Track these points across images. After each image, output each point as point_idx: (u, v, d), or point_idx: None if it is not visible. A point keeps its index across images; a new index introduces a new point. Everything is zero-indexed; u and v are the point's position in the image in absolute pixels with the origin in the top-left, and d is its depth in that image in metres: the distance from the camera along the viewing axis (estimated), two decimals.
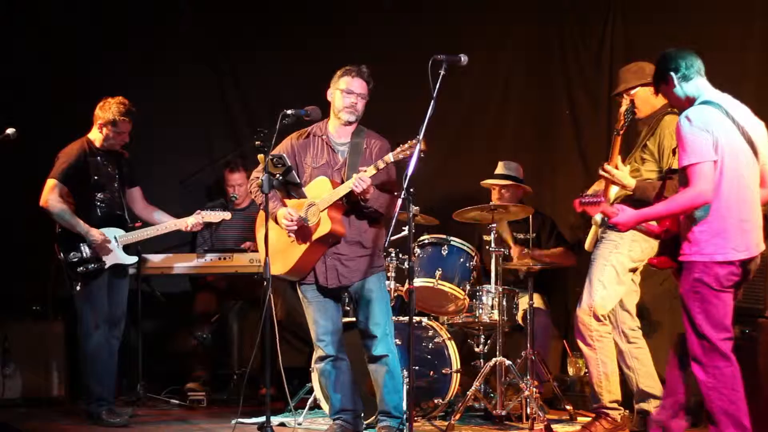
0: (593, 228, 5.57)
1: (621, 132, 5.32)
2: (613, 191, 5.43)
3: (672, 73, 4.58)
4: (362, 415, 5.47)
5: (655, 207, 4.60)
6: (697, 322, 4.49)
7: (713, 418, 4.50)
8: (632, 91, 5.43)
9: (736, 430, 4.47)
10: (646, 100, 5.40)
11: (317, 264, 5.26)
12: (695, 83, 4.59)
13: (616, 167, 5.26)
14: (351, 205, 5.20)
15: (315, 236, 5.18)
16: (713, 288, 4.47)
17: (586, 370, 5.68)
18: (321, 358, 5.36)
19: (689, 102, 4.59)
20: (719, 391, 4.47)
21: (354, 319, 5.49)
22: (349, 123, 5.31)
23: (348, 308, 5.81)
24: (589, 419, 5.64)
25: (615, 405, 5.47)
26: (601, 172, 5.31)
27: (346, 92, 5.27)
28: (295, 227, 5.20)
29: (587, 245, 5.64)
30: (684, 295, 4.54)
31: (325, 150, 5.33)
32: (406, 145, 4.91)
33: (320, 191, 5.21)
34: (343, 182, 5.18)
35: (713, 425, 4.52)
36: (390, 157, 5.00)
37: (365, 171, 5.06)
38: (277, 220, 5.25)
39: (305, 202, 5.23)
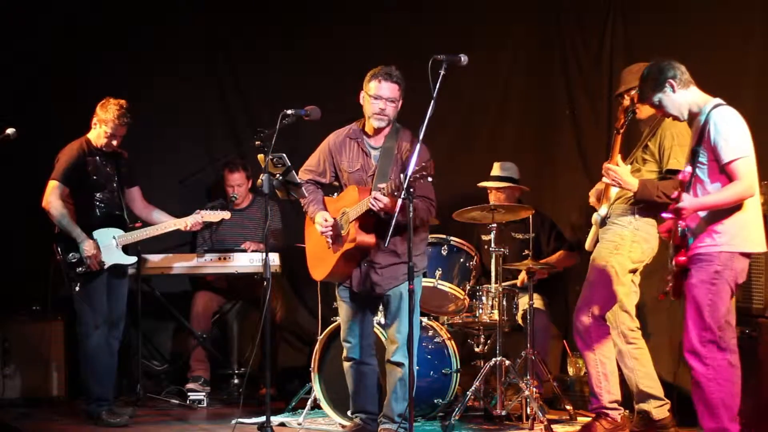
0: (593, 228, 5.57)
1: (621, 131, 5.34)
2: (614, 191, 5.44)
3: (672, 81, 4.67)
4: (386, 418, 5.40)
5: (711, 197, 4.61)
6: (704, 313, 4.57)
7: (712, 410, 4.53)
8: (633, 92, 5.43)
9: (732, 423, 4.51)
10: None
11: (356, 270, 5.22)
12: (694, 89, 4.71)
13: (617, 165, 5.27)
14: (378, 217, 5.05)
15: (345, 248, 5.14)
16: (729, 284, 4.58)
17: (586, 370, 5.68)
18: (346, 359, 5.38)
19: (690, 107, 4.68)
20: (718, 383, 4.54)
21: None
22: (381, 129, 5.22)
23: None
24: (589, 419, 5.63)
25: (615, 405, 5.47)
26: (604, 172, 5.32)
27: (374, 98, 5.15)
28: (331, 232, 5.19)
29: (587, 245, 5.64)
30: (696, 285, 4.60)
31: (360, 154, 5.25)
32: (420, 167, 4.75)
33: (351, 200, 5.16)
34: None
35: (710, 417, 4.55)
36: (403, 178, 4.75)
37: (383, 188, 4.95)
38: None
39: (341, 209, 5.20)
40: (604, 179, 5.37)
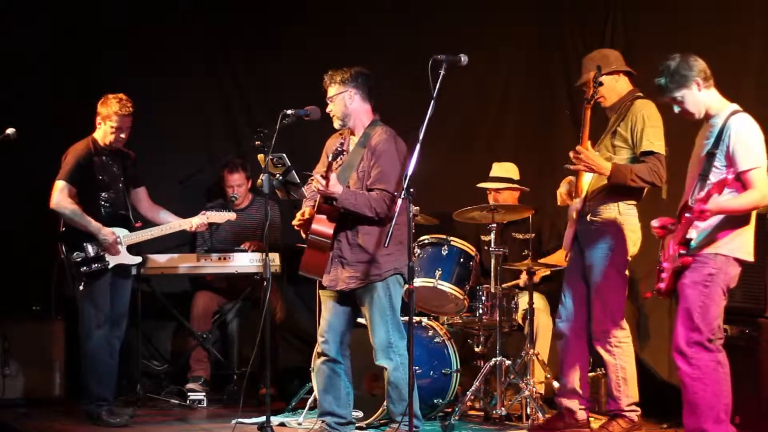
0: (570, 224, 5.55)
1: (591, 102, 5.30)
2: (586, 179, 5.40)
3: (699, 79, 4.64)
4: (352, 422, 5.41)
5: (731, 202, 4.57)
6: (694, 315, 4.57)
7: (695, 409, 4.54)
8: (600, 78, 5.41)
9: (715, 423, 4.50)
10: (612, 88, 5.41)
11: (328, 264, 5.22)
12: (714, 90, 4.70)
13: (587, 149, 5.23)
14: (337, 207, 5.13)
15: (307, 237, 5.20)
16: (722, 288, 4.59)
17: (606, 375, 5.63)
18: (318, 354, 5.34)
19: (706, 108, 4.66)
20: (704, 383, 4.55)
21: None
22: (342, 127, 5.33)
23: None
24: (604, 420, 5.63)
25: (633, 407, 5.46)
26: (574, 157, 5.25)
27: None
28: (299, 225, 5.25)
29: (565, 243, 5.64)
30: (688, 286, 4.60)
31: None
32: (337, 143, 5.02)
33: None
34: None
35: (692, 416, 4.55)
36: (330, 156, 5.00)
37: (321, 172, 5.07)
38: None
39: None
40: (575, 166, 5.30)
